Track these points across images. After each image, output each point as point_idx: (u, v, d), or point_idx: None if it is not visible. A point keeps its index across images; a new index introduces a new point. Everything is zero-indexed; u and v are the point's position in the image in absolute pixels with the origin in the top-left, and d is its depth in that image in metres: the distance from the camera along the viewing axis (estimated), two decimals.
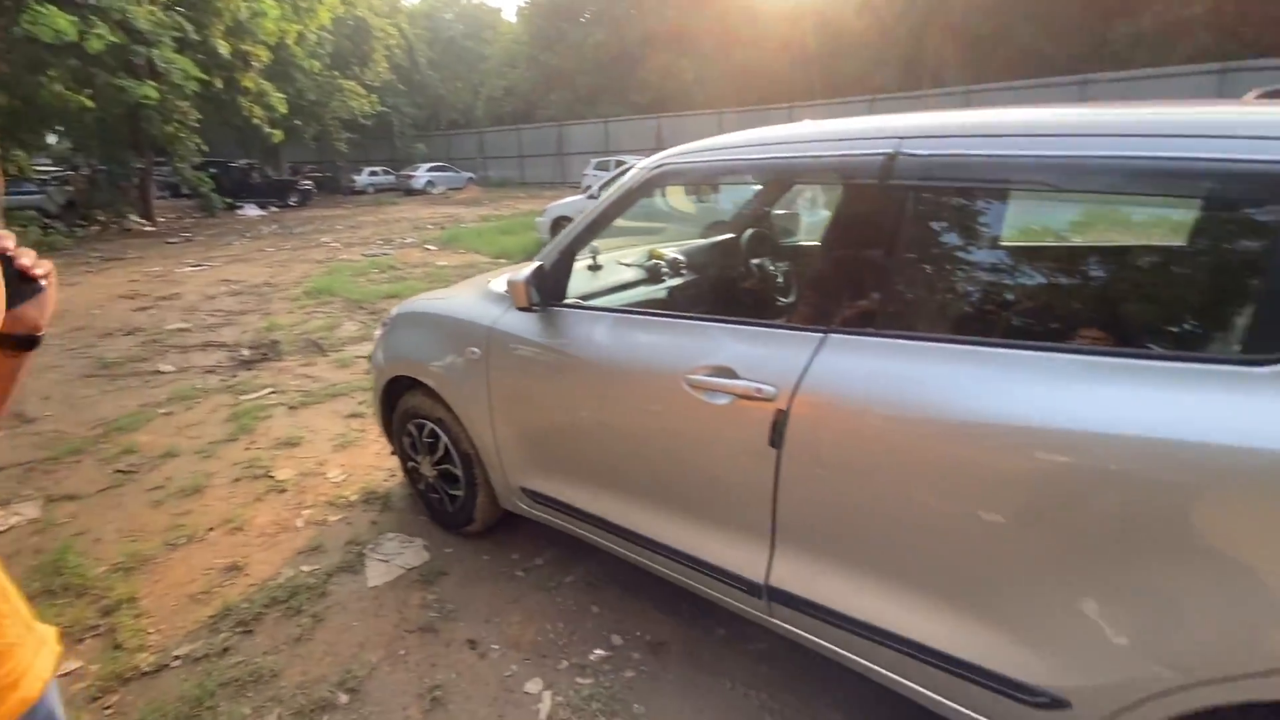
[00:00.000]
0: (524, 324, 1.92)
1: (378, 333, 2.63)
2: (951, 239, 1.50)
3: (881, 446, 1.27)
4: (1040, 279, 1.73)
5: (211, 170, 16.83)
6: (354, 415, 3.64)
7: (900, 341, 1.29)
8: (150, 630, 2.01)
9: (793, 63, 23.64)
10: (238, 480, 2.94)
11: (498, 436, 2.07)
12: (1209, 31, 15.34)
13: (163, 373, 4.52)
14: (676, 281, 2.57)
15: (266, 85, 15.59)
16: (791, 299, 2.84)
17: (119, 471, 3.05)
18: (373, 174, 26.69)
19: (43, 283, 0.68)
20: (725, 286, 2.75)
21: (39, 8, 9.17)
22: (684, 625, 1.97)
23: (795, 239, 3.31)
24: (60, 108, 11.55)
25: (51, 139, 15.08)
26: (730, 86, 23.99)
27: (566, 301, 1.89)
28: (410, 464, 2.50)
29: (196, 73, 12.34)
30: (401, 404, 2.42)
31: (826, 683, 1.70)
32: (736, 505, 1.51)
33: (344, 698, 1.74)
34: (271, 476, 2.96)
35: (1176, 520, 0.98)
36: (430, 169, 25.69)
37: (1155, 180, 1.14)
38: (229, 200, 17.84)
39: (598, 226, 1.90)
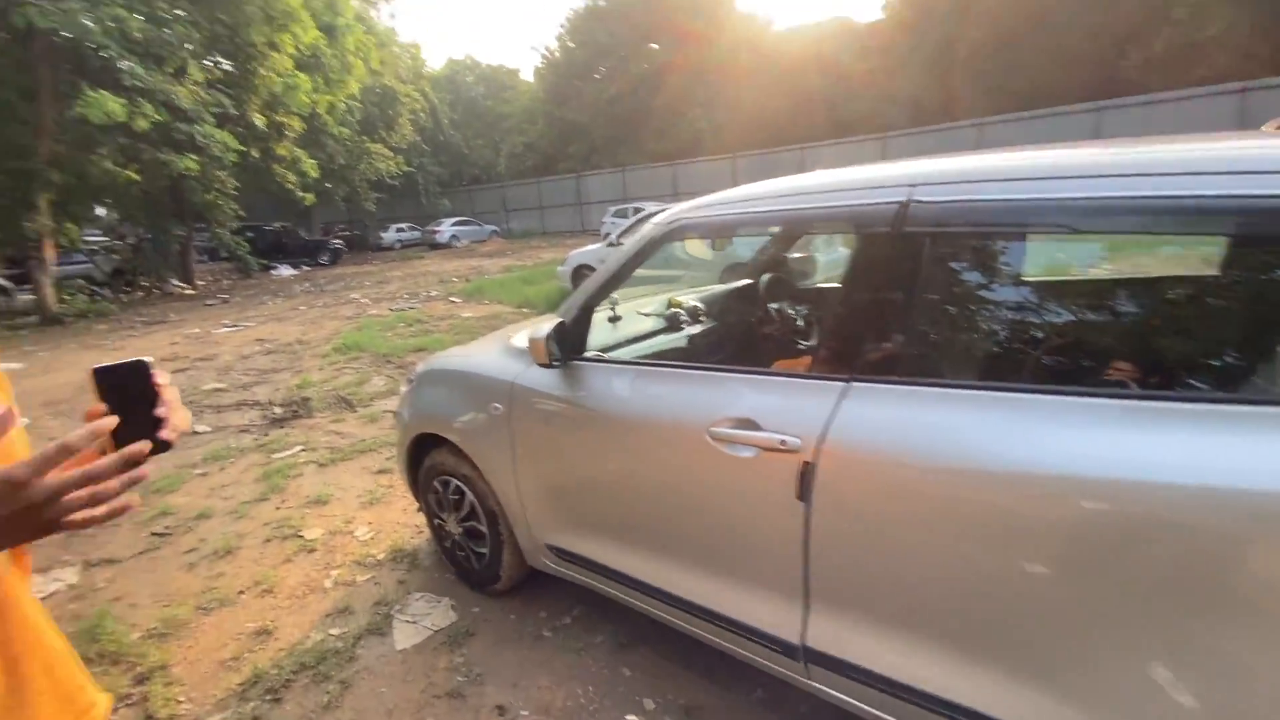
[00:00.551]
0: (546, 379, 1.93)
1: (403, 389, 2.68)
2: (971, 282, 1.48)
3: (915, 498, 1.23)
4: (1069, 316, 1.69)
5: (248, 234, 17.67)
6: (382, 471, 3.68)
7: (926, 389, 1.26)
8: (181, 699, 2.01)
9: (802, 105, 24.08)
10: (268, 541, 2.97)
11: (522, 492, 2.06)
12: (1225, 52, 15.22)
13: (199, 433, 4.64)
14: (696, 329, 2.58)
15: (300, 152, 16.51)
16: (813, 342, 2.82)
17: (155, 534, 3.11)
18: (399, 230, 27.64)
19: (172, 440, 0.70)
20: (745, 333, 2.75)
21: (91, 93, 9.88)
22: (720, 687, 1.89)
23: (812, 281, 3.31)
24: (109, 182, 12.30)
25: (100, 211, 16.00)
26: (741, 131, 24.45)
27: (587, 355, 1.90)
28: (436, 521, 2.50)
29: (235, 144, 13.09)
30: (427, 460, 2.43)
31: None
32: (767, 562, 1.47)
33: None
34: (301, 536, 2.98)
35: (1236, 572, 0.93)
36: (454, 223, 26.53)
37: (1177, 219, 1.11)
38: (264, 261, 18.63)
39: (616, 281, 1.92)
